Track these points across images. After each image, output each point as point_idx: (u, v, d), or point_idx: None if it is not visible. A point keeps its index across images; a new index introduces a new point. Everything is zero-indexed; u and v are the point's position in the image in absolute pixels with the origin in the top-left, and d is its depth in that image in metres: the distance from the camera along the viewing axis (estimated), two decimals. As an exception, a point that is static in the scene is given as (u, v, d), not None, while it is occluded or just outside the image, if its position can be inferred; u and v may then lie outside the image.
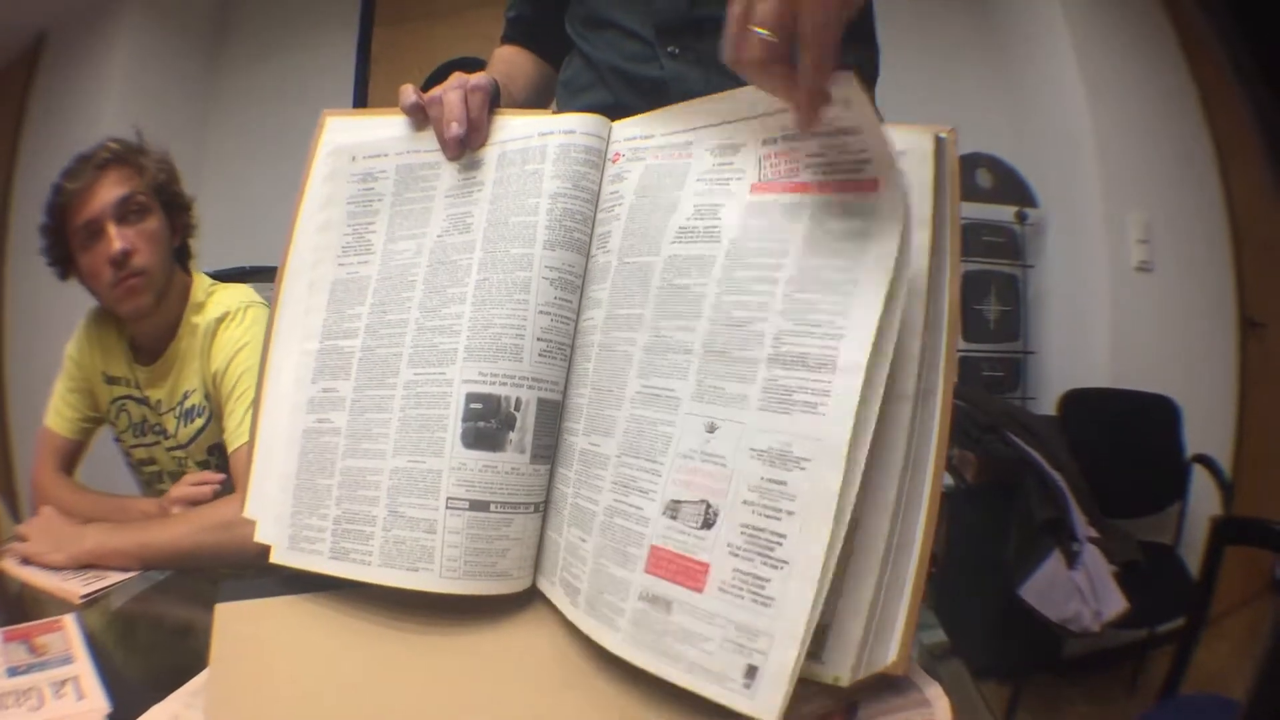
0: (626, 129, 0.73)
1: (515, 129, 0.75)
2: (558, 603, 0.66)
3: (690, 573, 0.55)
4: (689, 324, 0.61)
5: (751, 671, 0.51)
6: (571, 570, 0.64)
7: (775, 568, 0.52)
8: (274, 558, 0.72)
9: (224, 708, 0.56)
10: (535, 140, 0.73)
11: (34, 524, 1.08)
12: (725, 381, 0.58)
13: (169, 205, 1.34)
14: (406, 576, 0.67)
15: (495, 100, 0.76)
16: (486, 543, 0.67)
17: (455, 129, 0.73)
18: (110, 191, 1.25)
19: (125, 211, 1.26)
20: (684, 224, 0.64)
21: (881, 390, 0.53)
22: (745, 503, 0.54)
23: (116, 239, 1.23)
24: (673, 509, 0.58)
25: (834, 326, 0.54)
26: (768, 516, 0.53)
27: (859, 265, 0.54)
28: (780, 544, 0.52)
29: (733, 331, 0.59)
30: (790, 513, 0.52)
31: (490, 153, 0.75)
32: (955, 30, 2.89)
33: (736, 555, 0.54)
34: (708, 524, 0.56)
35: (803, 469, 0.53)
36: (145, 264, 1.26)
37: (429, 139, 0.76)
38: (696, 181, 0.65)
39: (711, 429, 0.57)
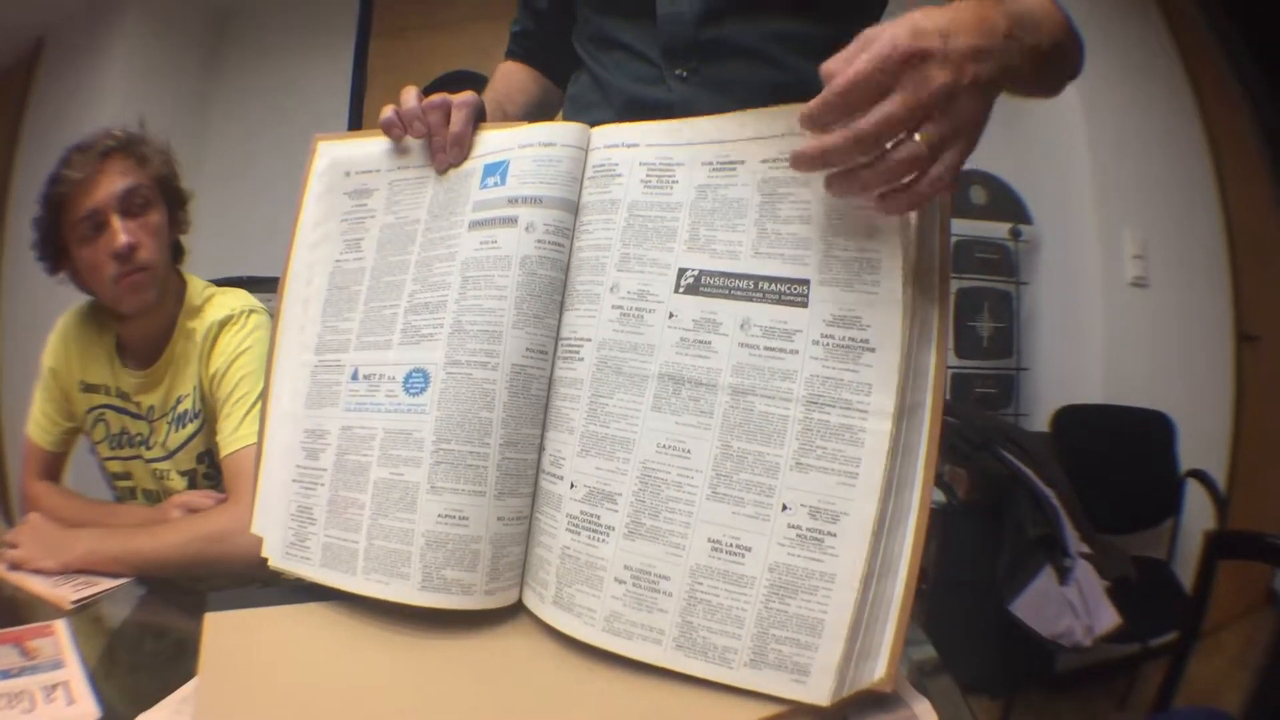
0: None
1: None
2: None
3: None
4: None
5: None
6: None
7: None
8: (272, 563, 0.75)
9: (213, 716, 0.56)
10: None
11: (24, 530, 1.08)
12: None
13: (170, 199, 1.30)
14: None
15: (480, 116, 0.77)
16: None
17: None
18: (115, 182, 1.19)
19: (130, 203, 1.21)
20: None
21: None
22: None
23: (122, 232, 1.18)
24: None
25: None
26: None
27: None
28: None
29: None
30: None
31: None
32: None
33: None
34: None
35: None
36: (150, 259, 1.21)
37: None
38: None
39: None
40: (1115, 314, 2.61)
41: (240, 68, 3.23)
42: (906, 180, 0.54)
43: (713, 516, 0.60)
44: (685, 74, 0.87)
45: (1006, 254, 2.82)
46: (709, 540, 0.59)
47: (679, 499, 0.61)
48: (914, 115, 0.52)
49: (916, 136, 0.53)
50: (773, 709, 0.56)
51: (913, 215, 0.59)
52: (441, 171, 0.76)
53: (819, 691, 0.55)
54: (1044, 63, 0.58)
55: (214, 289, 1.35)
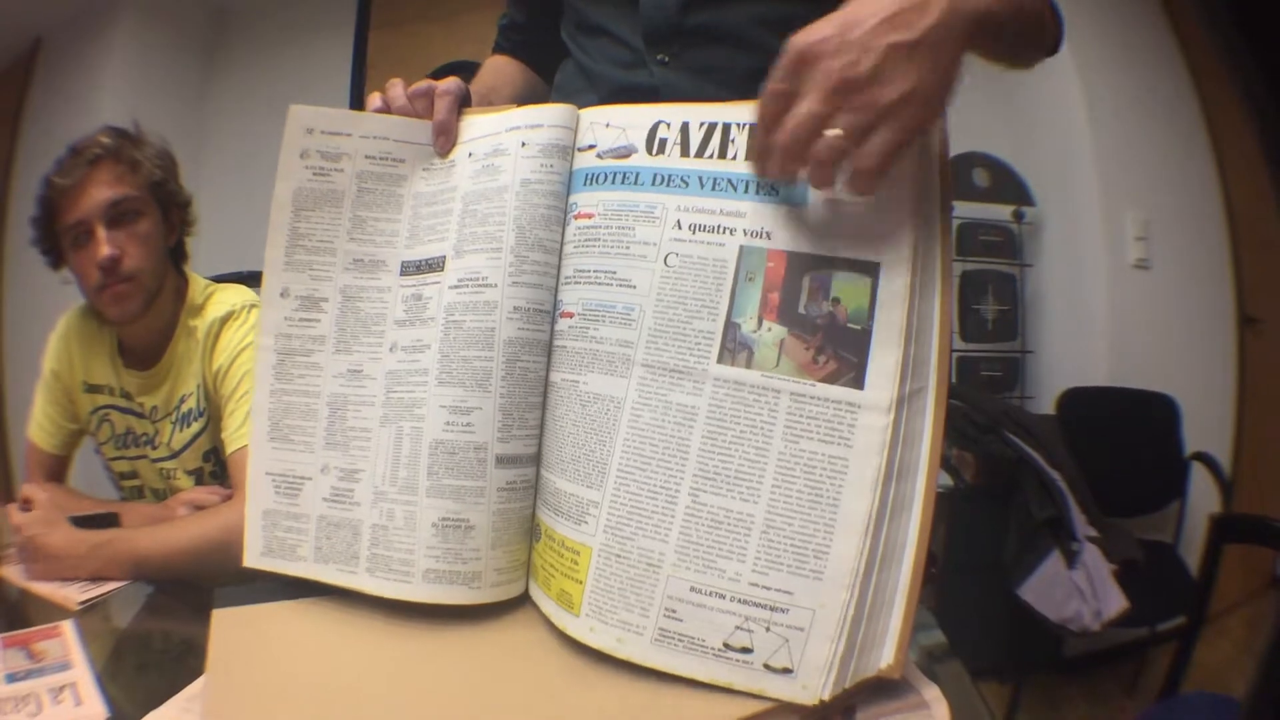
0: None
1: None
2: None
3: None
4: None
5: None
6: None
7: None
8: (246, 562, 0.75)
9: (221, 713, 0.56)
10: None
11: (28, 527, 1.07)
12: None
13: (165, 203, 1.28)
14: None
15: (465, 102, 0.76)
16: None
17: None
18: (101, 192, 1.18)
19: (116, 214, 1.19)
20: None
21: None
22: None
23: (105, 244, 1.17)
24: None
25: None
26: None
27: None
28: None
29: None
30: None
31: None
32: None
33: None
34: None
35: None
36: (135, 268, 1.20)
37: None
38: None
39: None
40: (1118, 296, 2.60)
41: (239, 63, 3.22)
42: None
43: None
44: (666, 59, 0.87)
45: (1010, 236, 2.81)
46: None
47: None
48: (825, 109, 0.53)
49: (827, 132, 0.54)
50: (764, 704, 0.55)
51: (909, 199, 0.58)
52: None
53: (809, 691, 0.54)
54: (1000, 29, 0.58)
55: (215, 286, 1.35)
